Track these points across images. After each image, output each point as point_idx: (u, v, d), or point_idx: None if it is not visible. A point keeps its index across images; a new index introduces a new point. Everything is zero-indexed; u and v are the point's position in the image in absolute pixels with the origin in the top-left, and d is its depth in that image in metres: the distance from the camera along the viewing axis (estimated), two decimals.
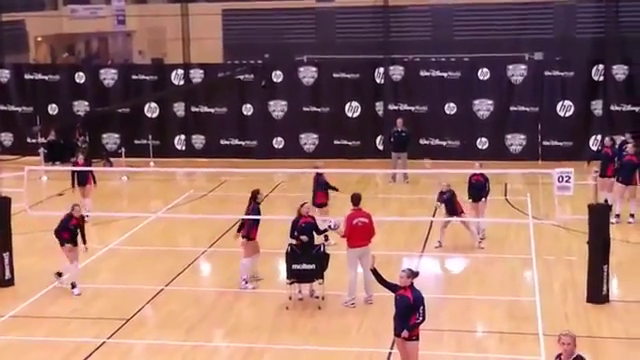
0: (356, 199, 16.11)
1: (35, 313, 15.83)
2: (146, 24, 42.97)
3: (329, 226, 16.34)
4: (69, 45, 46.24)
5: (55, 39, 44.76)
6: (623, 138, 23.62)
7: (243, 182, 25.00)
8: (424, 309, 12.00)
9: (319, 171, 19.92)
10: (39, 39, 44.13)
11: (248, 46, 39.77)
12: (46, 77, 31.27)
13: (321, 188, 19.67)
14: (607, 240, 15.61)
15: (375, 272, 12.81)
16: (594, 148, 27.78)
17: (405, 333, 11.93)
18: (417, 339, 12.11)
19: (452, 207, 18.86)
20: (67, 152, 29.53)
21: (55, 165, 28.79)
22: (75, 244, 16.70)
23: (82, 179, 22.01)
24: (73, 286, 16.62)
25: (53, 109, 31.00)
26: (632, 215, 20.71)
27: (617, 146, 22.63)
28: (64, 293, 16.80)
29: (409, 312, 11.96)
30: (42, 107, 30.84)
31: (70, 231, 16.65)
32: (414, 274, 12.28)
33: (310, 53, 37.69)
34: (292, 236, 16.02)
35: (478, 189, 19.37)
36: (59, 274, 17.05)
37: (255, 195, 16.91)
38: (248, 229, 16.56)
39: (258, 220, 16.66)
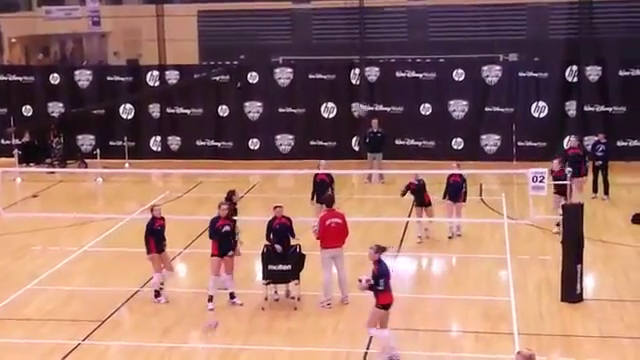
0: (329, 201, 16.21)
1: (9, 315, 15.73)
2: (121, 25, 42.75)
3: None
4: (43, 46, 45.94)
5: (29, 40, 44.45)
6: (596, 138, 23.85)
7: (219, 183, 25.00)
8: (385, 282, 13.15)
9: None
10: (13, 40, 43.81)
11: (224, 47, 39.68)
12: (20, 78, 31.09)
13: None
14: (581, 239, 15.74)
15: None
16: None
17: (362, 284, 13.19)
18: (381, 308, 13.20)
19: (421, 198, 19.48)
20: (42, 153, 29.46)
21: (29, 167, 28.66)
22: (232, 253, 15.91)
23: None
24: (232, 296, 16.00)
25: (27, 110, 30.83)
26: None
27: (590, 146, 22.91)
28: (38, 295, 16.72)
29: (375, 282, 13.18)
30: (16, 108, 30.67)
31: (221, 237, 15.78)
32: (381, 249, 13.44)
33: (286, 54, 37.68)
34: (267, 238, 16.08)
35: (456, 189, 19.53)
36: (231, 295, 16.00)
37: (231, 196, 17.08)
38: None
39: None
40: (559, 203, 18.34)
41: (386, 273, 13.31)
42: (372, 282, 13.22)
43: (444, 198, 19.79)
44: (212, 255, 15.82)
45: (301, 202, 20.34)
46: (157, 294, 16.16)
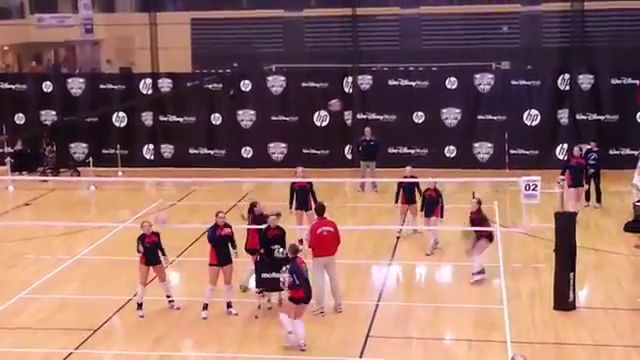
0: (320, 209, 16.20)
1: (1, 324, 15.66)
2: (114, 33, 42.68)
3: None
4: (36, 54, 45.87)
5: (22, 48, 44.37)
6: (588, 147, 23.90)
7: (212, 191, 25.01)
8: (297, 278, 14.21)
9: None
10: (6, 48, 43.73)
11: (217, 55, 39.65)
12: (13, 86, 31.07)
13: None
14: (573, 247, 15.77)
15: None
16: (561, 157, 28.09)
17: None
18: (293, 301, 14.29)
19: (411, 194, 20.02)
20: (34, 162, 29.40)
21: (22, 175, 28.59)
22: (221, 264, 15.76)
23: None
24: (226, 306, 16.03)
25: (20, 118, 30.79)
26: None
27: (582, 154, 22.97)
28: (30, 303, 16.67)
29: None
30: (9, 116, 30.60)
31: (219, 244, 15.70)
32: (293, 249, 14.63)
33: (279, 62, 37.68)
34: (261, 247, 16.10)
35: (431, 204, 19.41)
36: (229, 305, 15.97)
37: (252, 207, 17.21)
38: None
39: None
40: (483, 249, 17.47)
41: (294, 271, 14.21)
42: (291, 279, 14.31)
43: (421, 210, 19.79)
44: (210, 264, 15.78)
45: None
46: (139, 306, 16.00)
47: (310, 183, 19.90)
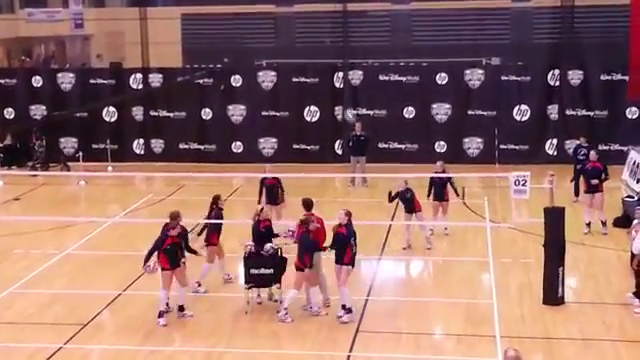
0: (308, 205, 16.19)
1: None
2: (104, 28, 42.62)
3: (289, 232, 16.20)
4: (26, 49, 45.75)
5: (12, 42, 44.25)
6: (578, 142, 23.95)
7: (202, 186, 24.96)
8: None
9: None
10: None
11: (207, 50, 39.63)
12: (2, 81, 30.98)
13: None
14: (562, 243, 15.81)
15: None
16: (550, 152, 28.21)
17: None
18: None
19: (411, 205, 19.05)
20: (24, 156, 29.34)
21: (11, 169, 28.53)
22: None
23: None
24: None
25: (9, 113, 30.73)
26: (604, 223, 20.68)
27: (572, 150, 22.96)
28: (19, 298, 16.64)
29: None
30: None
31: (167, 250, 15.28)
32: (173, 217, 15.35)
33: (269, 58, 37.67)
34: (253, 239, 16.06)
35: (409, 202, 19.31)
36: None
37: (216, 200, 17.00)
38: (209, 234, 16.60)
39: (219, 225, 16.64)
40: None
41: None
42: None
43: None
44: (162, 269, 15.29)
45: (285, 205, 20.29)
46: (180, 308, 15.59)
47: (279, 180, 19.91)
